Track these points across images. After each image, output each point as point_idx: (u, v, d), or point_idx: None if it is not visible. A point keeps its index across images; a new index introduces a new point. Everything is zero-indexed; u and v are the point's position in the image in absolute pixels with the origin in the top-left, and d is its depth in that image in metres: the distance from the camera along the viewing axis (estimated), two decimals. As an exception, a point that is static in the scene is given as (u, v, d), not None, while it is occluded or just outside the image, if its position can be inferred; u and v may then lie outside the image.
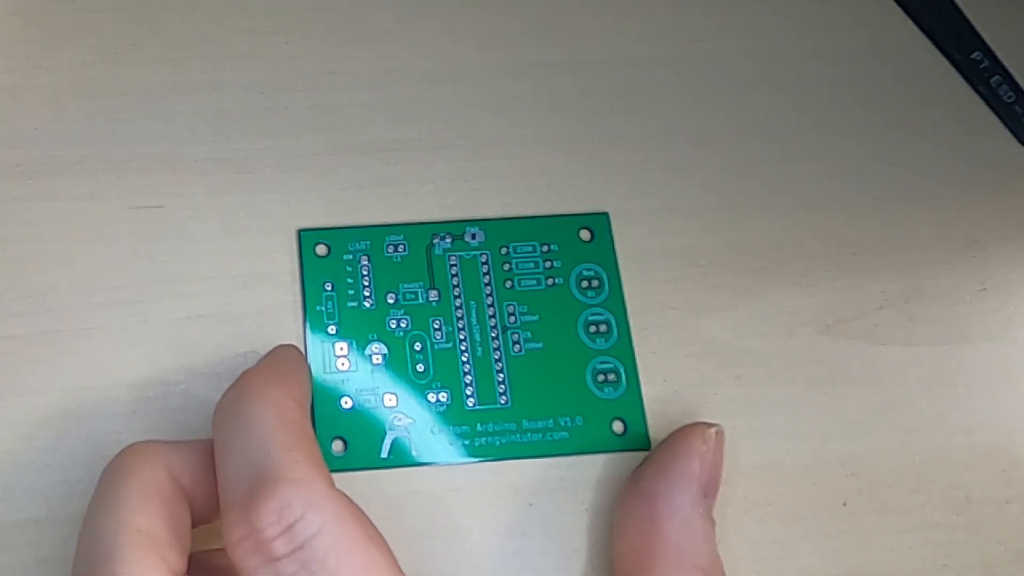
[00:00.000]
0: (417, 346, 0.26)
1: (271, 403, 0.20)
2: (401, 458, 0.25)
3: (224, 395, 0.21)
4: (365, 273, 0.26)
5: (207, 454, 0.21)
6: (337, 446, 0.25)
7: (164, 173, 0.27)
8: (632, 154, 0.28)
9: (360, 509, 0.20)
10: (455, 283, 0.26)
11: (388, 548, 0.19)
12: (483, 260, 0.27)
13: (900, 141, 0.29)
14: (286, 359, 0.23)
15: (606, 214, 0.28)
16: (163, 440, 0.22)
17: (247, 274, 0.26)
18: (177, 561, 0.19)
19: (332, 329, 0.26)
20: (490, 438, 0.25)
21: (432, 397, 0.25)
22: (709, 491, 0.23)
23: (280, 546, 0.18)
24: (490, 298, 0.26)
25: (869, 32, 0.31)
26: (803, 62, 0.30)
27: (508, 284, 0.27)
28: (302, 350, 0.25)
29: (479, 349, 0.26)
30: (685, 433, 0.24)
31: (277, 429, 0.20)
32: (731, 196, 0.28)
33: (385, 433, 0.25)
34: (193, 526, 0.21)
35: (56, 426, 0.24)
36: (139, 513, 0.19)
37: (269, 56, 0.29)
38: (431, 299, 0.26)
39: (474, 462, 0.25)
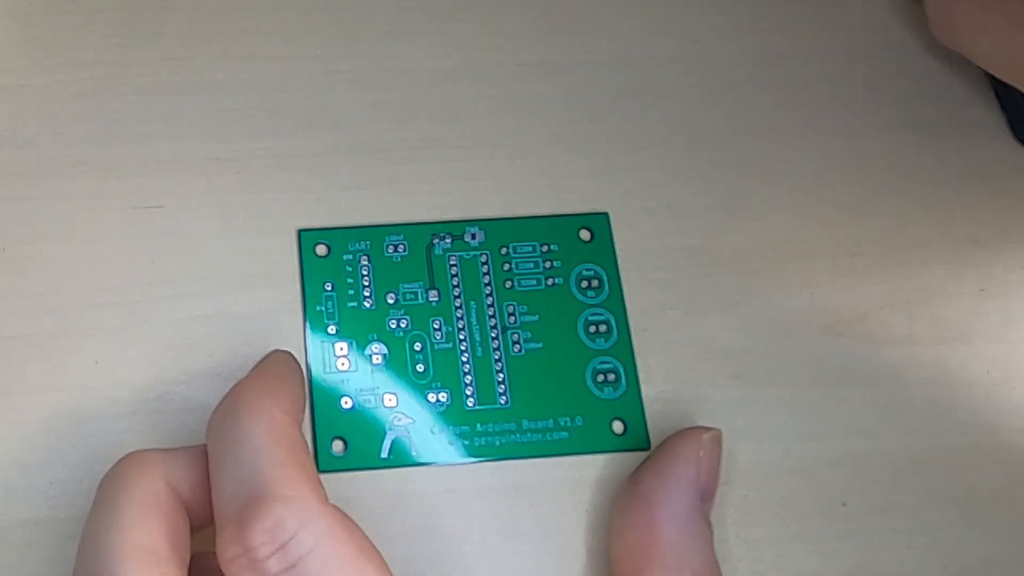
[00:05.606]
0: (417, 346, 0.26)
1: (264, 417, 0.20)
2: (401, 458, 0.25)
3: (217, 407, 0.21)
4: (365, 273, 0.26)
5: (205, 461, 0.21)
6: (337, 446, 0.25)
7: (164, 173, 0.27)
8: (632, 154, 0.28)
9: (353, 523, 0.20)
10: (455, 283, 0.26)
11: (382, 560, 0.19)
12: (483, 260, 0.27)
13: (900, 141, 0.29)
14: (279, 367, 0.23)
15: (606, 214, 0.28)
16: (160, 449, 0.21)
17: (247, 274, 0.26)
18: (177, 574, 0.19)
19: (332, 329, 0.26)
20: (490, 438, 0.25)
21: (432, 397, 0.25)
22: (706, 495, 0.23)
23: (273, 565, 0.18)
24: (490, 298, 0.26)
25: (869, 32, 0.31)
26: (803, 62, 0.30)
27: (508, 284, 0.27)
28: (301, 351, 0.25)
29: (479, 349, 0.26)
30: (682, 437, 0.23)
31: (269, 444, 0.20)
32: (731, 196, 0.28)
33: (385, 433, 0.25)
34: (192, 531, 0.21)
35: (56, 426, 0.24)
36: (139, 527, 0.19)
37: (269, 56, 0.29)
38: (431, 299, 0.26)
39: (474, 462, 0.25)
